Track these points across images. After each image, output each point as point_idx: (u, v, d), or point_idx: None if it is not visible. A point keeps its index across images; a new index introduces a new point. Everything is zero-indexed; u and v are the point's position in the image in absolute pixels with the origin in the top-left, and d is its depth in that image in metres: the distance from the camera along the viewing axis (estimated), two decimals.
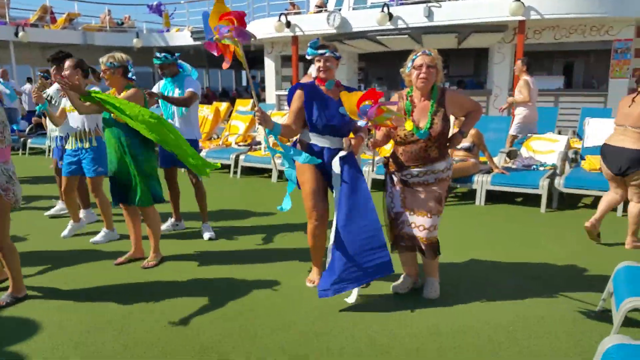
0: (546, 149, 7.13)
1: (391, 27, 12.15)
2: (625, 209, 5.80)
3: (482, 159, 6.79)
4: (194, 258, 4.63)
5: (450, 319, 3.37)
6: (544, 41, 11.92)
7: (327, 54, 3.53)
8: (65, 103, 5.05)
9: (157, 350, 3.06)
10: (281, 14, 13.89)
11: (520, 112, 7.98)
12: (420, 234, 3.52)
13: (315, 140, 3.69)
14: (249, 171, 8.77)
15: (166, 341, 3.15)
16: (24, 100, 13.29)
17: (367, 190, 3.55)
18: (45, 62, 5.59)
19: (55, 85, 5.41)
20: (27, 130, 11.90)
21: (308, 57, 3.61)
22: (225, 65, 3.41)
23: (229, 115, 10.69)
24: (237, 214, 6.17)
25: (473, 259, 4.48)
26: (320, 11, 14.33)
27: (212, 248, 4.90)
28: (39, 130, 11.59)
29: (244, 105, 11.36)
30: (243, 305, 3.62)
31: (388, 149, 3.78)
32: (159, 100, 5.08)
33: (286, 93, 4.00)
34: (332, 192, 3.73)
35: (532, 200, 6.40)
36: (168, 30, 19.37)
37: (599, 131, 6.99)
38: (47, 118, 5.49)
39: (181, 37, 18.45)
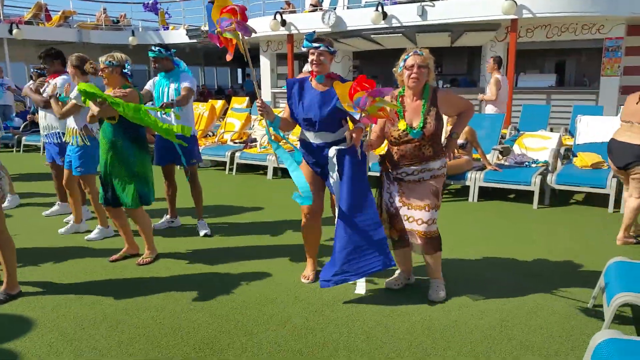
0: (538, 146, 7.18)
1: (385, 25, 12.18)
2: (616, 206, 5.87)
3: (475, 156, 6.84)
4: (189, 255, 4.64)
5: (445, 315, 3.40)
6: (536, 39, 11.99)
7: (321, 48, 3.54)
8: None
9: (152, 346, 3.07)
10: (276, 13, 13.89)
11: (488, 110, 8.17)
12: (418, 228, 3.52)
13: (305, 136, 3.72)
14: (244, 168, 8.78)
15: (161, 337, 3.17)
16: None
17: (367, 183, 3.57)
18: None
19: (55, 81, 5.37)
20: (22, 127, 11.85)
21: (304, 49, 3.63)
22: (228, 57, 3.46)
23: (225, 113, 10.69)
24: (232, 210, 6.19)
25: (466, 255, 4.51)
26: (315, 10, 14.32)
27: (207, 245, 4.91)
28: (34, 127, 11.54)
29: (239, 102, 11.34)
30: (238, 302, 3.64)
31: (382, 146, 3.78)
32: (153, 97, 5.09)
33: (281, 91, 4.02)
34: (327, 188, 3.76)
35: (524, 197, 6.45)
36: (167, 29, 19.29)
37: (590, 128, 7.06)
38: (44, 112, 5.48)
39: (177, 35, 18.40)
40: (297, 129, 3.83)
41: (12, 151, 11.39)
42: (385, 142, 3.68)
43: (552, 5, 10.69)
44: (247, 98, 11.48)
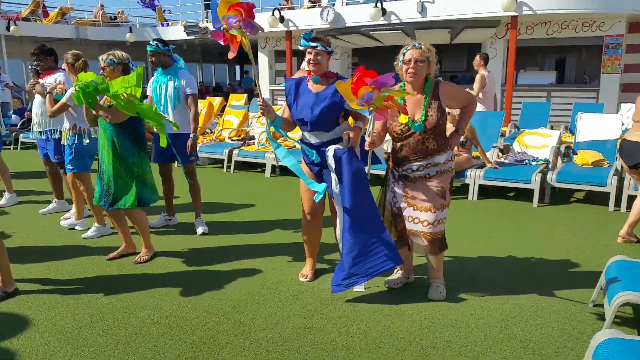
0: (538, 143, 7.16)
1: (384, 22, 12.15)
2: (617, 204, 5.85)
3: (475, 153, 6.81)
4: (186, 253, 4.61)
5: (444, 314, 3.38)
6: (536, 36, 11.97)
7: (318, 48, 3.51)
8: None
9: (150, 345, 3.04)
10: (275, 9, 13.85)
11: None
12: (424, 229, 3.48)
13: (304, 136, 3.69)
14: (242, 166, 8.76)
15: (158, 336, 3.14)
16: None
17: (367, 183, 3.53)
18: None
19: (50, 79, 5.34)
20: (19, 124, 11.80)
21: (301, 48, 3.60)
22: (231, 55, 3.43)
23: (222, 110, 10.66)
24: (230, 208, 6.16)
25: (465, 253, 4.49)
26: (314, 6, 14.29)
27: (204, 243, 4.88)
28: (31, 125, 11.48)
29: (237, 100, 11.33)
30: (236, 300, 3.61)
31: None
32: (152, 95, 5.06)
33: (280, 88, 4.00)
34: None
35: (524, 195, 6.43)
36: (167, 25, 19.25)
37: (591, 126, 7.04)
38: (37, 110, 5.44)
39: (174, 32, 18.35)
40: (298, 128, 3.81)
41: (10, 148, 11.35)
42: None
43: (552, 2, 10.66)
44: (245, 95, 11.45)
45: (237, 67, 31.08)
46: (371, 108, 3.18)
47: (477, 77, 8.14)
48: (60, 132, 5.26)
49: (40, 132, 5.51)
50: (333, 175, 3.50)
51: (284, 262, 4.33)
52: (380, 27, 12.23)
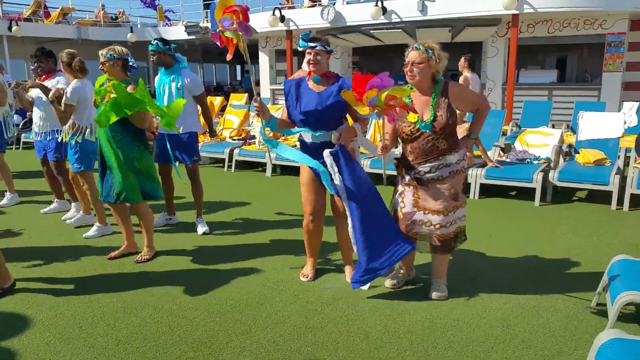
0: (540, 142, 7.13)
1: (385, 21, 12.13)
2: (619, 203, 5.83)
3: (476, 152, 6.79)
4: (187, 252, 4.60)
5: (445, 313, 3.36)
6: (538, 35, 11.94)
7: (317, 48, 3.50)
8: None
9: (150, 345, 3.04)
10: (275, 8, 13.83)
11: None
12: (436, 231, 3.45)
13: (304, 135, 3.68)
14: (243, 165, 8.75)
15: (159, 336, 3.13)
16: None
17: (368, 180, 3.54)
18: None
19: (52, 82, 5.33)
20: (21, 124, 11.80)
21: (300, 49, 3.59)
22: (228, 57, 3.48)
23: (223, 110, 10.65)
24: (231, 208, 6.15)
25: (467, 252, 4.47)
26: (315, 5, 14.26)
27: (205, 242, 4.87)
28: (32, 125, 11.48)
29: (238, 99, 11.31)
30: (237, 300, 3.60)
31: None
32: (156, 94, 5.06)
33: (280, 87, 4.00)
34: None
35: (526, 194, 6.41)
36: (169, 24, 19.24)
37: (592, 124, 7.02)
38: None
39: (175, 32, 18.36)
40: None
41: (12, 148, 11.35)
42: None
43: (553, 0, 10.62)
44: (246, 95, 11.44)
45: (238, 67, 31.10)
46: (376, 110, 3.18)
47: (461, 79, 8.13)
48: (60, 132, 5.27)
49: (43, 132, 5.52)
50: (338, 177, 3.47)
51: (285, 262, 4.32)
52: (380, 26, 12.21)
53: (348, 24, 12.71)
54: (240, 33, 3.38)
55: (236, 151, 8.46)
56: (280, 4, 15.18)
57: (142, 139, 4.27)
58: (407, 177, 3.50)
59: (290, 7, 14.83)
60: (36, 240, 4.96)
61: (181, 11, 19.57)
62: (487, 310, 3.40)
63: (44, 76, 5.42)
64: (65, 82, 5.14)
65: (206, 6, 18.47)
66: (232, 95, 11.72)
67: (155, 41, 4.93)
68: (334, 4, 13.58)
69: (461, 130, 4.26)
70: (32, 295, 3.73)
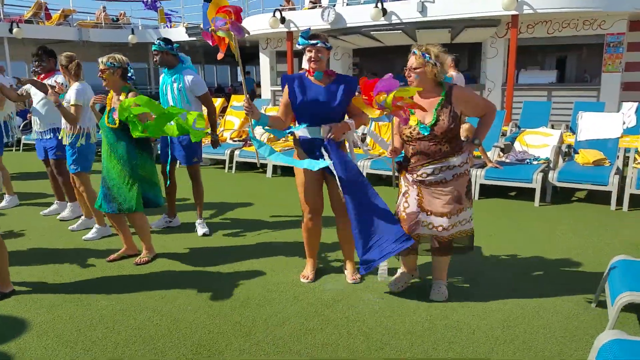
0: (539, 143, 7.13)
1: (385, 22, 12.12)
2: (619, 203, 5.82)
3: (476, 153, 6.78)
4: (187, 254, 4.60)
5: (446, 315, 3.36)
6: (537, 35, 11.93)
7: (318, 45, 3.51)
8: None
9: (149, 348, 3.03)
10: (276, 10, 13.83)
11: None
12: (439, 233, 3.44)
13: (302, 132, 3.67)
14: (243, 166, 8.74)
15: (158, 339, 3.12)
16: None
17: (360, 174, 3.54)
18: None
19: (57, 81, 5.34)
20: (22, 126, 11.79)
21: (299, 47, 3.59)
22: (219, 56, 3.50)
23: (224, 111, 10.65)
24: (231, 209, 6.14)
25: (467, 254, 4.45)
26: (315, 7, 14.26)
27: (205, 244, 4.87)
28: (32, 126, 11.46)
29: (239, 100, 11.30)
30: (237, 302, 3.59)
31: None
32: (159, 96, 5.05)
33: (281, 89, 4.00)
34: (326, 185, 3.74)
35: (525, 194, 6.40)
36: (170, 26, 19.24)
37: (592, 125, 7.01)
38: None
39: (176, 33, 18.36)
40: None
41: (12, 150, 11.35)
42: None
43: (553, 0, 10.62)
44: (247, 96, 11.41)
45: (239, 69, 31.04)
46: (386, 112, 3.22)
47: None
48: (59, 130, 5.28)
49: (42, 131, 5.52)
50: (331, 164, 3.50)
51: (285, 263, 4.31)
52: (380, 27, 12.20)
53: (348, 25, 12.71)
54: (233, 33, 3.39)
55: (237, 152, 8.45)
56: (280, 5, 15.18)
57: (144, 146, 4.27)
58: (411, 178, 3.50)
59: (290, 9, 14.82)
60: (36, 242, 4.96)
61: (182, 13, 19.59)
62: (487, 311, 3.40)
63: (43, 75, 5.43)
64: (63, 80, 5.16)
65: None
66: (232, 96, 11.70)
67: (158, 41, 4.93)
68: (334, 5, 13.58)
69: (461, 131, 4.24)
70: (30, 298, 3.72)
